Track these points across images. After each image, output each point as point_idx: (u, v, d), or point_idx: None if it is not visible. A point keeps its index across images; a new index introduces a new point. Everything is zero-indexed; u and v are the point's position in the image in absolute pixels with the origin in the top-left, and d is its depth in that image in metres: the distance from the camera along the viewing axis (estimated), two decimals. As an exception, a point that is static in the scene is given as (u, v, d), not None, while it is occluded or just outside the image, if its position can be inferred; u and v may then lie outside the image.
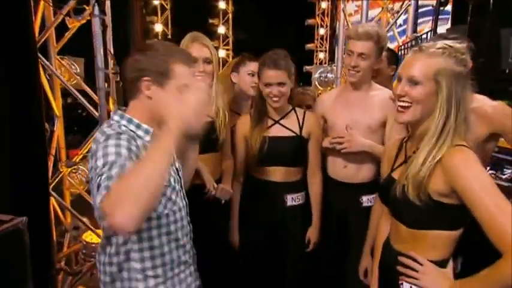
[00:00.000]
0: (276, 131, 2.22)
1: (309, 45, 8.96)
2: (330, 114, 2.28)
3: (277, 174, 2.24)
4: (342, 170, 2.30)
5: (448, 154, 1.25)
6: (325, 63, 8.34)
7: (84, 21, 2.81)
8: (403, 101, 1.31)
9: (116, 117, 1.37)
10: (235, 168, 2.33)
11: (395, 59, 2.61)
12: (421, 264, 1.37)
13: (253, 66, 2.45)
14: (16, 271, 2.07)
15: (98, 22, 2.72)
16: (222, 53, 8.29)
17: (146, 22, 8.72)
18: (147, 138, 1.35)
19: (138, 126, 1.36)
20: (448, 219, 1.32)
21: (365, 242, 2.01)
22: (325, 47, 9.04)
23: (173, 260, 1.42)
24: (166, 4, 8.37)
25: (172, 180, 1.43)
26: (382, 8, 3.72)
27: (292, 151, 2.23)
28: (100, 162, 1.18)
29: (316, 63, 8.65)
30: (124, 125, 1.35)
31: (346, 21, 3.59)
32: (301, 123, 2.24)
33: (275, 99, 2.12)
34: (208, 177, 2.12)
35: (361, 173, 2.30)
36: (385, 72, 2.66)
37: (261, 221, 2.28)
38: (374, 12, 4.05)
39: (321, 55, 9.05)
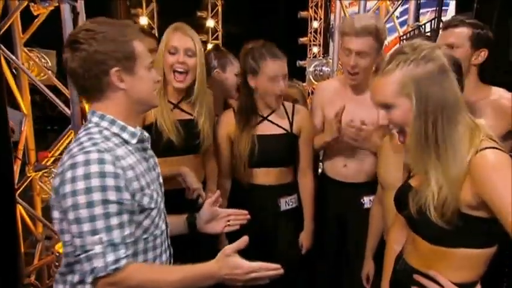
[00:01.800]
0: (265, 129, 2.06)
1: (302, 39, 8.85)
2: (329, 109, 2.13)
3: (268, 176, 2.09)
4: (342, 169, 2.16)
5: (474, 164, 1.10)
6: (319, 57, 8.20)
7: (52, 8, 2.59)
8: (392, 129, 1.24)
9: (95, 119, 1.20)
10: (220, 173, 2.16)
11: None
12: (442, 287, 1.19)
13: (238, 67, 2.36)
14: None
15: (67, 9, 2.50)
16: (210, 47, 8.09)
17: (131, 15, 8.58)
18: (134, 141, 1.23)
19: (123, 129, 1.21)
20: (479, 235, 1.16)
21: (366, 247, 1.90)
22: (319, 41, 8.95)
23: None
24: (152, -4, 7.84)
25: (159, 199, 1.29)
26: (381, -3, 3.55)
27: (285, 150, 2.08)
28: (83, 204, 1.05)
29: (310, 58, 8.52)
30: (106, 128, 1.19)
31: (344, 12, 3.41)
32: (291, 119, 2.09)
33: (281, 94, 1.99)
34: (196, 184, 1.92)
35: (363, 171, 2.15)
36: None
37: (253, 228, 2.12)
38: (371, 4, 3.87)
39: (315, 49, 8.97)
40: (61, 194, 1.08)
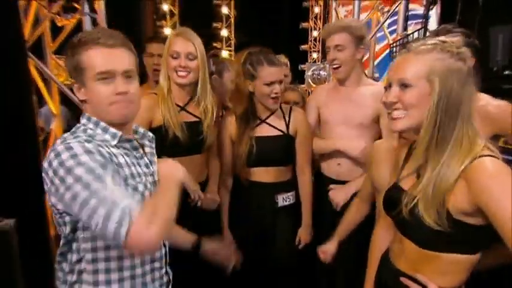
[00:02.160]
0: (263, 131, 1.86)
1: (304, 46, 8.73)
2: (324, 109, 1.98)
3: (266, 175, 1.88)
4: (336, 168, 1.97)
5: (472, 170, 0.91)
6: (318, 63, 8.05)
7: (75, 20, 2.37)
8: (396, 109, 1.00)
9: (83, 120, 1.05)
10: (222, 171, 1.96)
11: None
12: None
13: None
14: (4, 273, 1.76)
15: (88, 20, 2.30)
16: (225, 54, 7.94)
17: (156, 26, 8.51)
18: (114, 142, 1.04)
19: (105, 130, 1.04)
20: (469, 242, 0.98)
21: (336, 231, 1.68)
22: (318, 48, 8.78)
23: (135, 286, 1.06)
24: (175, 9, 7.92)
25: (146, 193, 1.08)
26: (373, 8, 3.27)
27: (281, 150, 1.88)
28: (84, 175, 0.89)
29: (309, 62, 8.34)
30: (91, 128, 1.03)
31: (337, 17, 3.15)
32: (287, 121, 1.90)
33: (276, 98, 1.79)
34: (194, 187, 1.72)
35: (355, 170, 1.94)
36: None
37: (253, 224, 1.93)
38: (363, 15, 3.61)
39: (314, 55, 8.84)
40: (56, 182, 0.92)
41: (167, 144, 1.72)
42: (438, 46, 0.96)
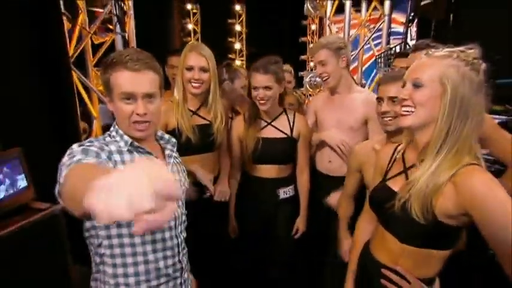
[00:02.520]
0: (269, 133, 1.79)
1: (303, 57, 8.62)
2: (320, 113, 1.94)
3: (270, 171, 1.83)
4: (327, 164, 1.92)
5: (464, 174, 0.84)
6: (314, 69, 7.95)
7: (109, 39, 2.33)
8: (406, 105, 0.92)
9: (112, 128, 1.06)
10: (232, 166, 1.92)
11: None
12: (409, 282, 0.91)
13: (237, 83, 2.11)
14: (55, 256, 1.74)
15: (119, 39, 2.26)
16: (238, 63, 7.96)
17: (184, 42, 8.50)
18: (125, 148, 1.01)
19: (121, 137, 1.02)
20: (446, 240, 0.94)
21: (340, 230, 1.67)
22: None
23: (148, 271, 1.01)
24: (197, 28, 7.99)
25: None
26: (360, 25, 3.16)
27: (284, 151, 1.82)
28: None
29: (308, 70, 8.33)
30: (112, 136, 1.03)
31: (331, 32, 3.04)
32: (291, 125, 1.82)
33: (262, 101, 1.69)
34: (207, 181, 1.69)
35: (345, 166, 1.86)
36: None
37: (257, 214, 1.90)
38: (352, 31, 3.49)
39: (312, 64, 8.67)
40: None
41: (181, 145, 1.69)
42: (455, 54, 0.88)
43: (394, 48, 2.75)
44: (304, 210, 1.89)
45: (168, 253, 1.05)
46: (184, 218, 1.13)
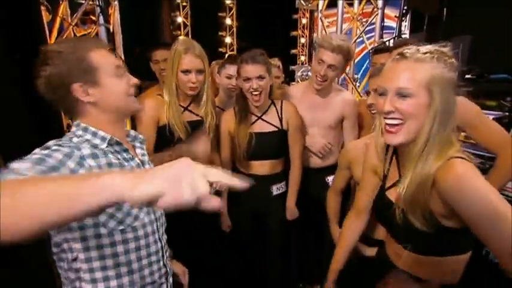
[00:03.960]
0: (260, 127, 1.69)
1: (293, 51, 8.59)
2: (298, 109, 1.83)
3: (263, 168, 1.72)
4: (314, 159, 1.89)
5: (443, 168, 0.76)
6: (305, 64, 7.93)
7: (92, 30, 2.16)
8: (393, 118, 0.79)
9: (73, 128, 0.90)
10: (222, 163, 1.79)
11: None
12: None
13: (231, 69, 1.89)
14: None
15: (103, 30, 2.09)
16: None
17: (173, 35, 8.24)
18: (104, 145, 0.88)
19: (94, 134, 0.88)
20: (455, 244, 0.85)
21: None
22: (305, 52, 8.63)
23: (133, 283, 0.90)
24: (187, 21, 7.70)
25: None
26: (353, 18, 3.05)
27: (276, 145, 1.71)
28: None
29: (299, 64, 8.26)
30: (80, 135, 0.87)
31: (325, 30, 2.94)
32: (280, 115, 1.71)
33: (255, 93, 1.55)
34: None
35: (327, 159, 1.88)
36: None
37: (250, 211, 1.80)
38: (345, 25, 3.39)
39: (302, 58, 8.68)
40: None
41: (174, 142, 1.57)
42: (435, 55, 0.77)
43: (388, 42, 2.66)
44: (291, 201, 1.78)
45: (153, 258, 0.95)
46: (164, 219, 1.02)
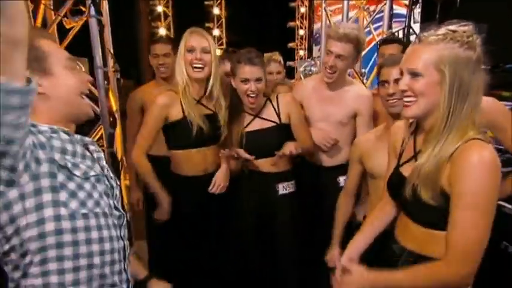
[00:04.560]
0: (257, 125, 1.88)
1: (291, 44, 8.77)
2: (305, 106, 1.97)
3: (265, 165, 1.90)
4: (320, 155, 2.05)
5: (462, 148, 0.94)
6: (304, 59, 8.12)
7: (81, 22, 2.37)
8: (407, 96, 1.00)
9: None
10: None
11: None
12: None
13: (229, 66, 2.18)
14: None
15: (94, 22, 2.29)
16: (217, 52, 7.95)
17: (152, 27, 8.32)
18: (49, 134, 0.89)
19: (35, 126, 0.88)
20: None
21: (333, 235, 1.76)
22: (304, 46, 8.83)
23: (92, 279, 0.92)
24: (169, 11, 7.95)
25: (91, 173, 0.95)
26: (359, 8, 3.34)
27: (275, 141, 1.87)
28: None
29: (297, 59, 8.40)
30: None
31: (329, 20, 3.20)
32: (277, 110, 1.89)
33: (252, 95, 1.76)
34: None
35: (337, 157, 2.03)
36: None
37: (254, 210, 1.97)
38: (351, 14, 3.68)
39: (301, 52, 8.87)
40: None
41: (192, 137, 1.77)
42: (448, 36, 0.95)
43: (397, 33, 2.95)
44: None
45: (116, 256, 0.97)
46: (124, 221, 1.05)
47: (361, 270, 1.06)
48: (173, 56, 2.29)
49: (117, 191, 1.06)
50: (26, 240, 0.83)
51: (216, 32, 8.35)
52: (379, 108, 1.91)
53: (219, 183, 1.84)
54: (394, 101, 1.47)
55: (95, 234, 0.92)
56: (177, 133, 1.84)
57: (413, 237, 1.10)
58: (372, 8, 3.65)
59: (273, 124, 1.87)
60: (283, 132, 1.89)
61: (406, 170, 1.10)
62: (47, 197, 0.84)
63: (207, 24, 8.37)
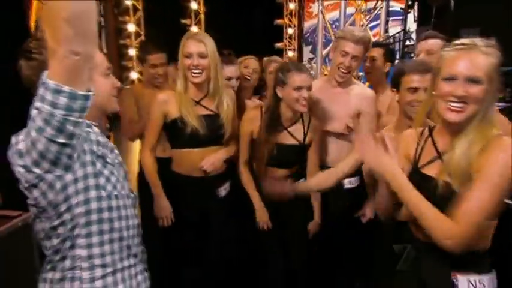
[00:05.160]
0: (283, 138, 2.22)
1: (278, 44, 9.00)
2: (315, 104, 2.36)
3: (281, 173, 2.28)
4: (324, 156, 2.45)
5: (495, 141, 1.19)
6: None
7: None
8: (461, 102, 1.19)
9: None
10: (239, 162, 2.33)
11: (391, 56, 2.69)
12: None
13: (228, 71, 2.43)
14: (25, 266, 2.04)
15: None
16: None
17: (119, 22, 8.41)
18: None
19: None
20: None
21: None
22: (294, 46, 9.10)
23: (122, 249, 1.28)
24: (139, 4, 8.16)
25: (116, 160, 1.34)
26: (356, 10, 3.88)
27: (296, 157, 2.26)
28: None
29: (286, 61, 8.62)
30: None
31: (324, 18, 3.66)
32: (305, 131, 2.26)
33: (304, 102, 2.11)
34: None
35: (343, 158, 2.33)
36: (380, 69, 2.76)
37: (272, 211, 2.29)
38: (334, 14, 4.15)
39: (290, 53, 9.11)
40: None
41: (186, 137, 2.05)
42: (493, 47, 1.20)
43: (393, 37, 3.50)
44: (318, 213, 2.30)
45: (136, 231, 1.32)
46: (136, 202, 1.42)
47: (392, 156, 1.30)
48: (167, 64, 2.62)
49: (128, 176, 1.43)
50: (76, 215, 1.15)
51: (194, 29, 8.54)
52: (381, 109, 2.36)
53: (212, 161, 2.13)
54: (418, 106, 1.74)
55: (123, 212, 1.26)
56: (173, 131, 2.14)
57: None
58: (368, 5, 4.18)
59: (297, 143, 2.21)
60: (304, 151, 2.24)
61: (429, 170, 1.33)
62: (91, 181, 1.18)
63: (183, 21, 8.55)
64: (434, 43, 2.26)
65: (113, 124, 3.25)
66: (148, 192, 2.20)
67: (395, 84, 1.91)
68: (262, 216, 2.27)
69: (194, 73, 2.08)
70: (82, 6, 0.86)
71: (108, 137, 1.44)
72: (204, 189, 2.15)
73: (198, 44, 2.07)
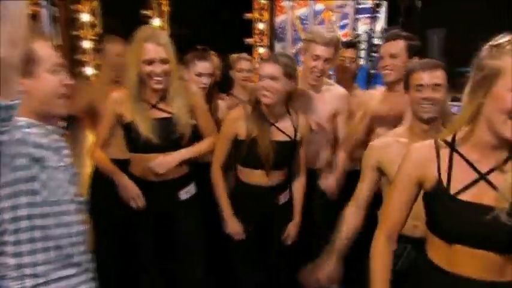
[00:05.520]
0: (273, 135, 2.40)
1: (248, 40, 9.08)
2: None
3: (267, 177, 2.50)
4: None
5: None
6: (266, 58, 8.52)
7: (30, 12, 2.86)
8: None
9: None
10: (214, 162, 2.48)
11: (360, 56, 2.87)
12: None
13: (200, 67, 2.59)
14: None
15: (45, 13, 2.77)
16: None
17: (70, 10, 8.50)
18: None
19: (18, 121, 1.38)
20: None
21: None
22: (265, 43, 9.16)
23: (60, 258, 1.34)
24: (91, -8, 7.97)
25: (61, 163, 1.40)
26: (325, 8, 4.19)
27: (286, 155, 2.46)
28: None
29: (255, 58, 8.80)
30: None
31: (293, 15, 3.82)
32: (296, 127, 2.42)
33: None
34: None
35: (316, 162, 2.73)
36: (352, 70, 3.01)
37: (256, 220, 2.53)
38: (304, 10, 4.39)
39: (261, 50, 9.25)
40: None
41: (141, 142, 2.22)
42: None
43: (360, 36, 3.81)
44: (298, 215, 2.55)
45: (80, 239, 1.39)
46: (83, 207, 1.53)
47: None
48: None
49: (78, 179, 1.50)
50: (3, 222, 1.24)
51: (156, 21, 8.52)
52: (354, 108, 2.61)
53: (160, 162, 2.19)
54: (428, 105, 1.86)
55: (63, 219, 1.32)
56: (127, 135, 2.31)
57: (487, 268, 1.26)
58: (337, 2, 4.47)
59: (287, 139, 2.42)
60: (294, 148, 2.48)
61: (473, 197, 1.25)
62: (22, 186, 1.26)
63: (144, 12, 8.43)
64: (395, 45, 2.51)
65: (70, 123, 3.39)
66: (103, 194, 2.35)
67: (406, 85, 1.97)
68: (232, 226, 2.43)
69: (157, 80, 2.19)
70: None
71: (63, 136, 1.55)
72: (161, 193, 2.31)
73: (158, 48, 2.18)
